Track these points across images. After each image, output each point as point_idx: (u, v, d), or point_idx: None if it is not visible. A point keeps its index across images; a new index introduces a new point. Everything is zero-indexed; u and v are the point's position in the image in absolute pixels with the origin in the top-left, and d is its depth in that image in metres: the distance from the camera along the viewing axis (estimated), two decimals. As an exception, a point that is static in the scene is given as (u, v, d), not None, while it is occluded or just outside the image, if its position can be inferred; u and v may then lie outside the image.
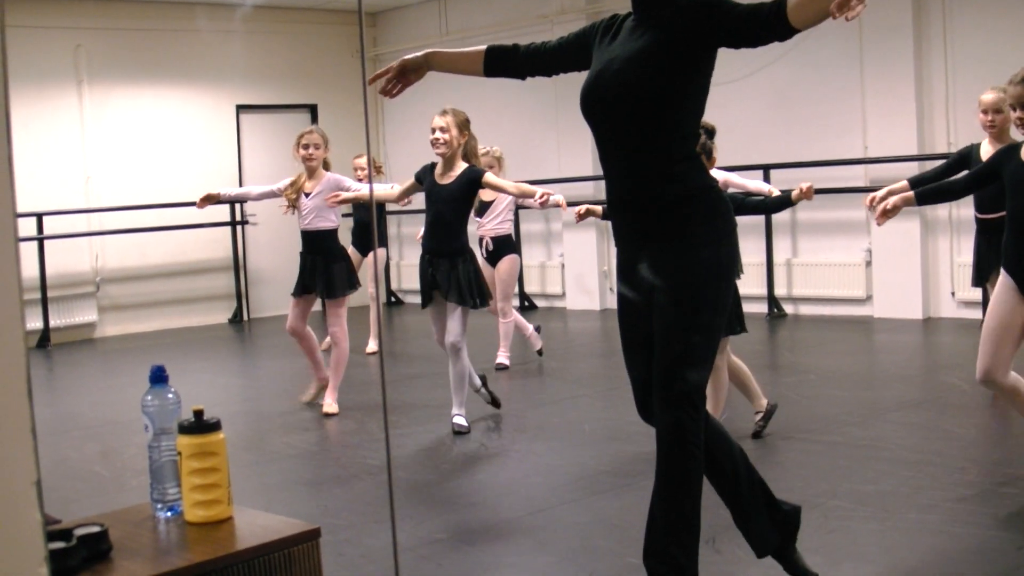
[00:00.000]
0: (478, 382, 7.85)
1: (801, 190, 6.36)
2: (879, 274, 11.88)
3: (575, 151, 13.73)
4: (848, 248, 12.23)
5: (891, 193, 5.61)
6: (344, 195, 8.10)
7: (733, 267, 3.95)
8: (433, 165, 7.52)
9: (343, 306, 8.40)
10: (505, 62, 4.26)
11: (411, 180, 7.64)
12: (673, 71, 3.73)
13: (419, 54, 4.22)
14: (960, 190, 5.56)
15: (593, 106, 3.90)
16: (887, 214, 5.32)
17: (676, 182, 3.79)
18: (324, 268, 8.25)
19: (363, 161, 11.24)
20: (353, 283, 8.44)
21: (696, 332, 3.76)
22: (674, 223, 3.80)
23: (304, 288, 8.35)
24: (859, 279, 12.13)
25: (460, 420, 7.47)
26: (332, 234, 8.34)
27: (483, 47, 4.28)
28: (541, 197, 7.31)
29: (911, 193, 5.53)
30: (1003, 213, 5.32)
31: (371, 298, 11.51)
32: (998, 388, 5.27)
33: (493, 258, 9.67)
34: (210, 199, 8.58)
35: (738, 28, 3.63)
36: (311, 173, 8.32)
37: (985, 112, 7.14)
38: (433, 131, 7.35)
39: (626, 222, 3.94)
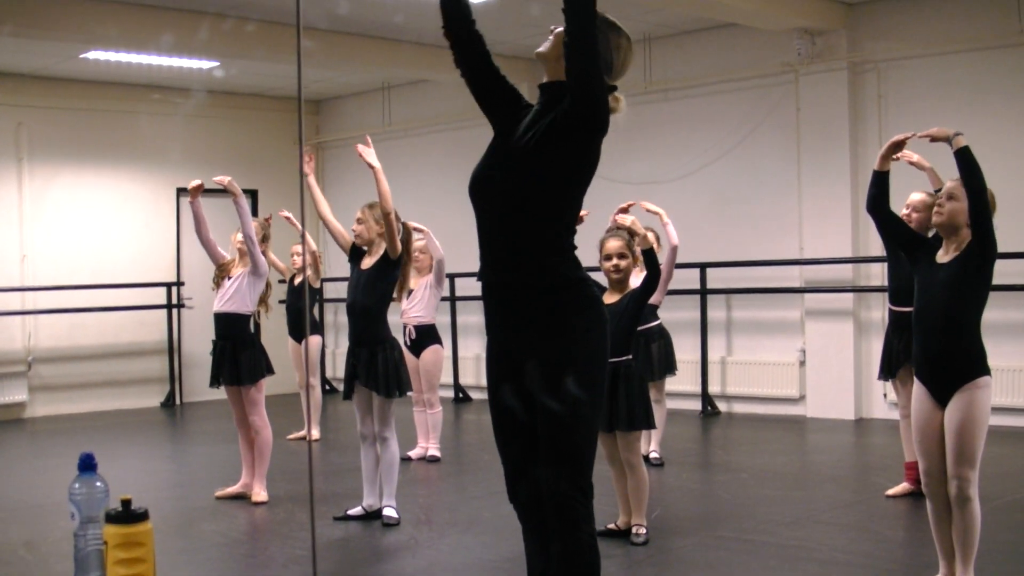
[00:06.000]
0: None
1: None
2: (812, 374, 11.98)
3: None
4: (782, 348, 12.34)
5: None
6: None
7: (606, 355, 4.00)
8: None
9: (258, 393, 8.15)
10: (462, 16, 4.22)
11: (349, 236, 7.47)
12: (557, 155, 3.83)
13: None
14: (885, 211, 5.47)
15: (482, 194, 4.02)
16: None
17: (548, 272, 3.86)
18: (231, 355, 8.06)
19: (299, 247, 11.18)
20: (264, 370, 8.23)
21: (576, 424, 3.84)
22: (547, 311, 3.86)
23: (214, 378, 8.22)
24: (793, 378, 12.23)
25: (390, 512, 7.39)
26: (244, 320, 8.15)
27: None
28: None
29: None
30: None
31: (299, 386, 11.39)
32: (936, 495, 5.27)
33: (416, 348, 9.48)
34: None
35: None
36: (241, 257, 8.27)
37: (906, 208, 7.19)
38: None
39: (499, 308, 4.00)
